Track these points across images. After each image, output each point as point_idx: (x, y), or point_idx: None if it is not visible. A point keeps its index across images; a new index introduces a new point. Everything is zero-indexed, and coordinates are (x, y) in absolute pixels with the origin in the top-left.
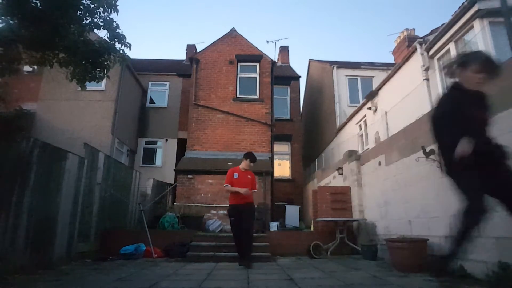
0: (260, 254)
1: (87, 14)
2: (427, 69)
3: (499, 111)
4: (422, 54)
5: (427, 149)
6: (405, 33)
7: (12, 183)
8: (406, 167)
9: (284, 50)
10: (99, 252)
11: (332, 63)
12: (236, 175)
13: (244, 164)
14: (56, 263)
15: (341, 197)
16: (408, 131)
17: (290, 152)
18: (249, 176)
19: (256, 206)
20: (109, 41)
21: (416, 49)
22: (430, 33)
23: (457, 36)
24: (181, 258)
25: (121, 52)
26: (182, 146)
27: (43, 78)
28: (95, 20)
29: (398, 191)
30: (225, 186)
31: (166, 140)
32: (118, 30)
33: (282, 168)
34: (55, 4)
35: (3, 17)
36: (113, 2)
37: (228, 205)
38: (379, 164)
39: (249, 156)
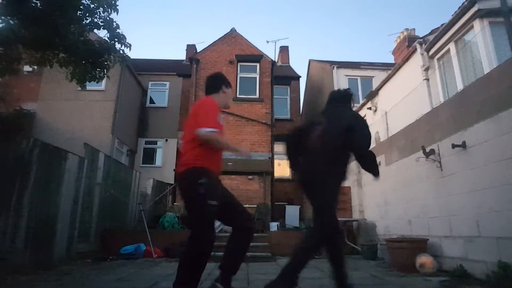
0: (260, 254)
1: (87, 14)
2: (427, 69)
3: (499, 111)
4: (422, 54)
5: (427, 149)
6: (405, 33)
7: (12, 183)
8: (406, 167)
9: (284, 50)
10: (99, 252)
11: (332, 63)
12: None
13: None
14: (56, 263)
15: (341, 197)
16: (408, 131)
17: None
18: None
19: (256, 206)
20: (109, 41)
21: (416, 49)
22: (430, 33)
23: (457, 36)
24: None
25: (121, 52)
26: None
27: (43, 78)
28: (95, 20)
29: (398, 191)
30: (210, 131)
31: (166, 140)
32: (118, 30)
33: (282, 168)
34: (55, 4)
35: (3, 17)
36: (113, 2)
37: (201, 171)
38: (379, 164)
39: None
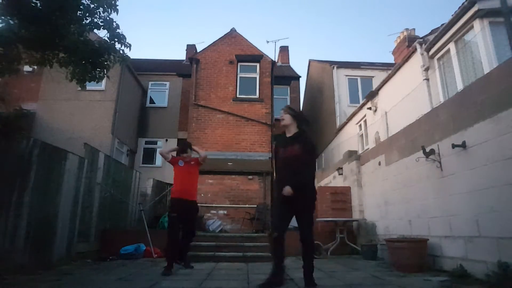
0: (260, 254)
1: (87, 14)
2: (427, 69)
3: (499, 111)
4: (422, 54)
5: (427, 149)
6: (405, 33)
7: (12, 183)
8: (406, 167)
9: (284, 50)
10: (99, 252)
11: (332, 63)
12: (181, 163)
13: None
14: (56, 263)
15: (341, 197)
16: (408, 131)
17: None
18: (192, 163)
19: (256, 206)
20: (109, 41)
21: (416, 49)
22: (430, 33)
23: (457, 36)
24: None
25: (121, 52)
26: None
27: (43, 78)
28: (95, 20)
29: (398, 191)
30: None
31: (166, 140)
32: (118, 30)
33: None
34: (55, 4)
35: (3, 17)
36: (113, 2)
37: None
38: (379, 164)
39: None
